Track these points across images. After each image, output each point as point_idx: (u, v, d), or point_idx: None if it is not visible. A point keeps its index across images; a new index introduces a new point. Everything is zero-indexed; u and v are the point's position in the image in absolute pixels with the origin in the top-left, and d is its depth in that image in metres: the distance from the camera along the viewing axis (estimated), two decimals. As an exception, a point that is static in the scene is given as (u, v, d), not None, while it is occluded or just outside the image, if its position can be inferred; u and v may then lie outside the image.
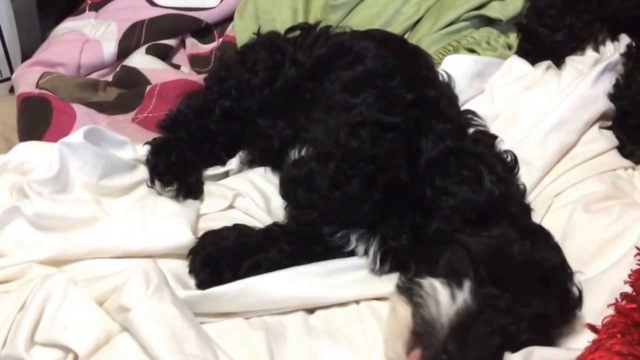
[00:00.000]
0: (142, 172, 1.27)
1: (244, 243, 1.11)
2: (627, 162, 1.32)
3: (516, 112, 1.37)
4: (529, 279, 0.94)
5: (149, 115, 1.50)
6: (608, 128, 1.36)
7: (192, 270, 1.09)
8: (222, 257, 1.09)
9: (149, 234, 1.14)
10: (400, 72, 1.21)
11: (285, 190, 1.16)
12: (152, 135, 1.43)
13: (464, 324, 0.89)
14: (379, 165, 1.05)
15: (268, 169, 1.36)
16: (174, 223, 1.16)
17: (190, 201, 1.24)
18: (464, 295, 0.91)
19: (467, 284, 0.92)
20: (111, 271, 1.07)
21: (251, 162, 1.37)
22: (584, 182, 1.26)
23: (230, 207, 1.26)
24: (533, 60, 1.51)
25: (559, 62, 1.48)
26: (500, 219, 1.01)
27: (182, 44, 1.79)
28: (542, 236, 1.03)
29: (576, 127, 1.31)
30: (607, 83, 1.37)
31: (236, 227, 1.15)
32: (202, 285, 1.07)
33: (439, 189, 1.05)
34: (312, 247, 1.12)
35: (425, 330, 0.91)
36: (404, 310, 0.95)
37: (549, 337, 0.97)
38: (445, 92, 1.28)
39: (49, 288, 0.99)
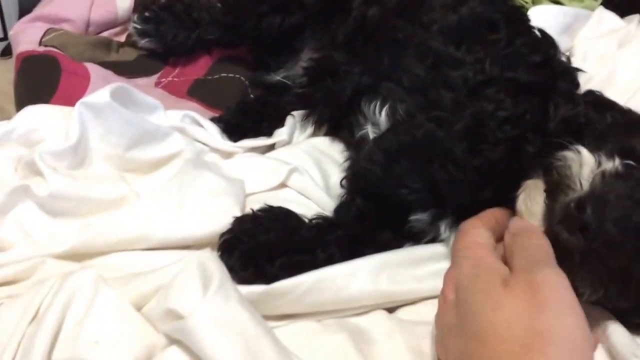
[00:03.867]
0: (177, 141, 1.03)
1: (288, 240, 0.91)
2: None
3: (612, 73, 1.23)
4: None
5: (174, 79, 1.28)
6: None
7: (231, 270, 0.85)
8: (262, 253, 0.88)
9: (190, 217, 0.91)
10: (508, 25, 1.00)
11: (373, 165, 0.92)
12: (181, 102, 1.22)
13: (608, 189, 0.71)
14: (525, 129, 0.85)
15: (323, 139, 1.15)
16: (220, 203, 0.93)
17: (235, 177, 1.02)
18: (614, 163, 0.75)
19: (617, 157, 0.76)
20: (148, 266, 0.85)
21: (310, 114, 1.15)
22: None
23: (282, 185, 1.04)
24: (621, 13, 1.39)
25: None
26: None
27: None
28: None
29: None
30: None
31: (281, 216, 0.94)
32: (248, 283, 0.85)
33: None
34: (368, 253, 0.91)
35: (561, 185, 0.75)
36: (538, 184, 0.79)
37: None
38: (560, 51, 1.07)
39: (71, 290, 0.75)
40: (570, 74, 1.02)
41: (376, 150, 0.92)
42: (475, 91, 0.89)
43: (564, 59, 1.07)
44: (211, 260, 0.77)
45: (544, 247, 0.73)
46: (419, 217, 0.93)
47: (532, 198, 0.79)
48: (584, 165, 0.75)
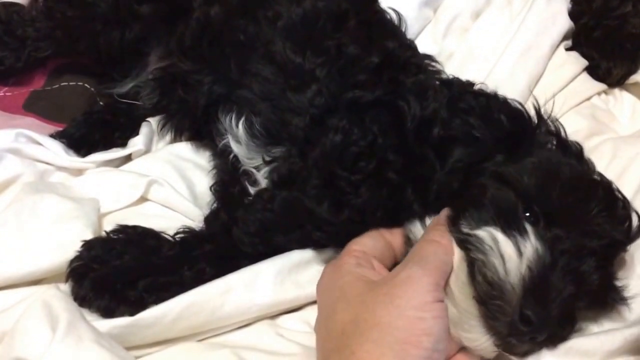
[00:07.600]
0: (11, 165, 0.92)
1: (147, 262, 0.82)
2: (600, 86, 1.19)
3: (472, 48, 1.19)
4: (586, 202, 0.74)
5: (6, 94, 1.14)
6: (568, 49, 1.22)
7: (83, 300, 0.77)
8: (119, 278, 0.79)
9: (33, 248, 0.81)
10: (357, 14, 0.95)
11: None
12: (15, 119, 1.10)
13: (539, 281, 0.68)
14: (382, 154, 0.79)
15: (186, 145, 1.05)
16: (68, 228, 0.83)
17: (86, 197, 0.91)
18: (532, 244, 0.70)
19: (530, 229, 0.72)
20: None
21: (165, 124, 1.05)
22: (563, 119, 1.04)
23: (143, 199, 0.95)
24: None
25: None
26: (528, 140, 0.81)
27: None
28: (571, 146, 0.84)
29: (542, 54, 1.17)
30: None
31: (136, 237, 0.85)
32: (107, 312, 0.77)
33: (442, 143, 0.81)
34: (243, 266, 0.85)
35: (492, 296, 0.68)
36: (463, 269, 0.72)
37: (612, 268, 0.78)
38: (402, 39, 1.03)
39: None
40: (414, 64, 0.97)
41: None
42: (320, 120, 0.84)
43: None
44: (57, 299, 0.68)
45: (428, 250, 0.71)
46: None
47: (463, 310, 0.71)
48: (506, 259, 0.69)
